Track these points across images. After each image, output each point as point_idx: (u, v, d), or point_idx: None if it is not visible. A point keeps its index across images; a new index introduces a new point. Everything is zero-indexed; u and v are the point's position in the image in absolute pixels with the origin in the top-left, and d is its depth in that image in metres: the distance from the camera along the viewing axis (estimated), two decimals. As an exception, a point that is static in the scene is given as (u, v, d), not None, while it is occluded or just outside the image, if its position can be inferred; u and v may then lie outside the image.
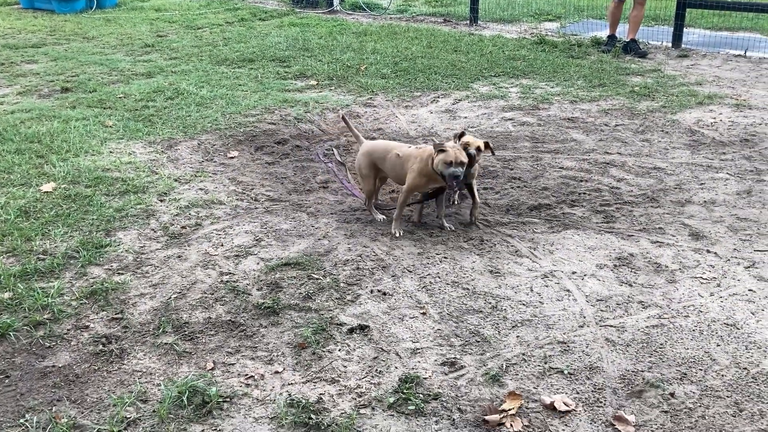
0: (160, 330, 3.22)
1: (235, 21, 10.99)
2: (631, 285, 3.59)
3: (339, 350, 3.07)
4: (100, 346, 3.10)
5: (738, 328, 3.20)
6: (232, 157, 5.41)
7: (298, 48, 8.94)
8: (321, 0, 12.05)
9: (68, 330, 3.22)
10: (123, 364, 3.00)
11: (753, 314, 3.32)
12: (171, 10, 12.02)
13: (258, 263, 3.81)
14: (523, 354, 3.03)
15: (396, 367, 2.95)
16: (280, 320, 3.29)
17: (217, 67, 8.05)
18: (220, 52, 8.75)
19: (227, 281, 3.62)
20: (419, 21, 10.81)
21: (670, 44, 8.68)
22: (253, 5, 12.39)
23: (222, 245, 4.01)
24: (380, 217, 4.37)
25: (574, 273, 3.71)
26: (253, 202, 4.61)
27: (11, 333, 3.17)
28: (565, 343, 3.10)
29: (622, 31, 8.68)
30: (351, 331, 3.20)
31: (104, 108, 6.56)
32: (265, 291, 3.52)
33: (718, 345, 3.09)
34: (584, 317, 3.30)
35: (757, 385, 2.82)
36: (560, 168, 5.13)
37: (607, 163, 5.18)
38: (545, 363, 2.97)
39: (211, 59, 8.44)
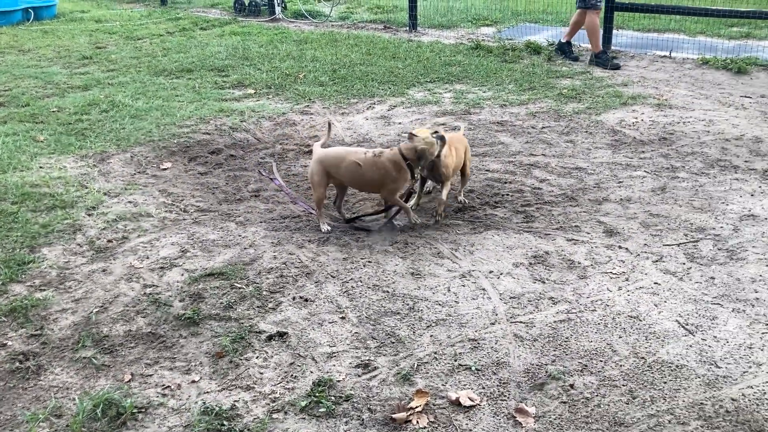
0: (80, 344, 3.24)
1: (176, 31, 10.94)
2: (544, 282, 3.74)
3: (256, 358, 3.14)
4: (17, 364, 3.11)
5: (640, 320, 3.37)
6: (164, 169, 5.43)
7: (238, 57, 8.96)
8: (263, 8, 12.08)
9: (-15, 348, 3.22)
10: (39, 380, 3.02)
11: (656, 306, 3.50)
12: (111, 21, 11.91)
13: (182, 274, 3.85)
14: (435, 353, 3.14)
15: (311, 372, 3.04)
16: (200, 330, 3.34)
17: (155, 78, 8.03)
18: (159, 63, 8.72)
19: (150, 294, 3.65)
20: (360, 28, 10.93)
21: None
22: (196, 15, 12.35)
23: (147, 258, 4.04)
24: (326, 228, 4.39)
25: (491, 272, 3.84)
26: (182, 213, 4.65)
27: (-74, 354, 3.16)
28: (476, 340, 3.23)
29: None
30: (270, 338, 3.27)
31: (36, 122, 6.50)
32: (187, 302, 3.57)
33: (620, 337, 3.25)
34: (496, 315, 3.43)
35: (652, 373, 2.98)
36: (486, 170, 5.28)
37: (532, 165, 5.35)
38: (455, 360, 3.09)
39: (150, 70, 8.40)
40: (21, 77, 8.19)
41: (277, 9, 11.91)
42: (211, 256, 4.05)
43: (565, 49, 8.52)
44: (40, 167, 5.39)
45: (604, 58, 8.16)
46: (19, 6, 11.94)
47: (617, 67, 8.07)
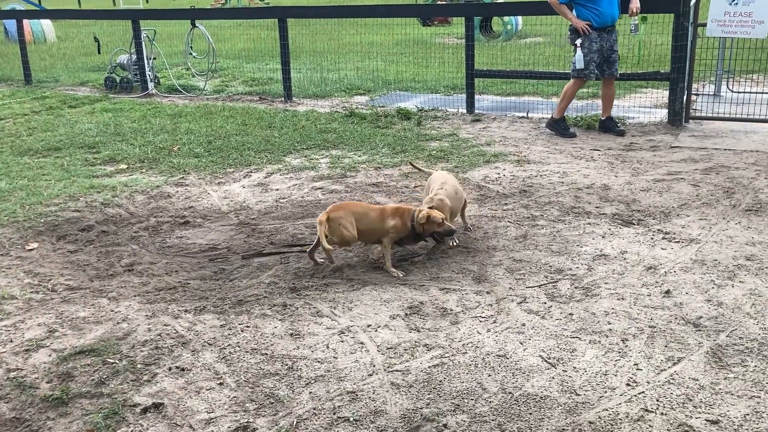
0: (-67, 439, 3.03)
1: (43, 110, 10.63)
2: (419, 330, 3.89)
3: None
4: None
5: (508, 358, 3.58)
6: (30, 249, 5.21)
7: (110, 133, 8.82)
8: (135, 84, 11.99)
9: None
10: None
11: (521, 344, 3.72)
12: (-30, 102, 11.39)
13: (50, 355, 3.69)
14: (314, 408, 3.18)
15: (189, 440, 2.99)
16: (69, 410, 3.21)
17: (19, 159, 7.74)
18: (24, 143, 8.42)
19: (14, 378, 3.48)
20: (236, 100, 11.08)
21: (465, 110, 9.55)
22: (63, 93, 12.06)
23: (11, 341, 3.85)
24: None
25: (369, 326, 3.96)
26: (50, 293, 4.47)
27: None
28: (354, 392, 3.30)
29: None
30: (145, 410, 3.19)
31: None
32: (54, 382, 3.43)
33: (490, 375, 3.43)
34: (374, 366, 3.53)
35: (519, 406, 3.17)
36: (362, 230, 5.45)
37: (405, 222, 5.58)
38: (334, 414, 3.14)
39: (13, 151, 8.10)
40: None
41: (150, 84, 11.87)
42: (81, 334, 3.91)
43: (608, 125, 8.30)
44: None
45: (563, 126, 8.12)
46: None
47: (574, 135, 8.03)
